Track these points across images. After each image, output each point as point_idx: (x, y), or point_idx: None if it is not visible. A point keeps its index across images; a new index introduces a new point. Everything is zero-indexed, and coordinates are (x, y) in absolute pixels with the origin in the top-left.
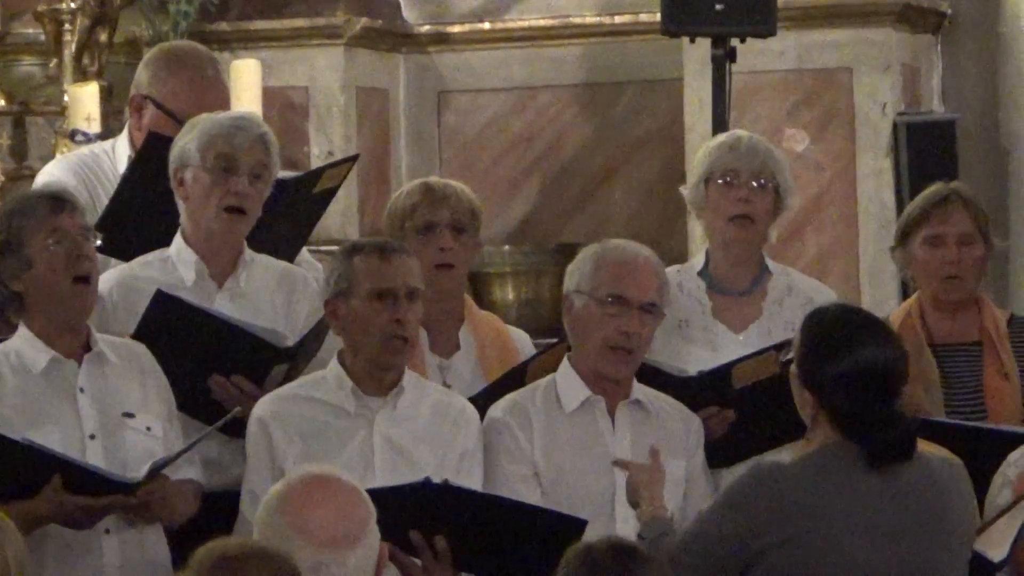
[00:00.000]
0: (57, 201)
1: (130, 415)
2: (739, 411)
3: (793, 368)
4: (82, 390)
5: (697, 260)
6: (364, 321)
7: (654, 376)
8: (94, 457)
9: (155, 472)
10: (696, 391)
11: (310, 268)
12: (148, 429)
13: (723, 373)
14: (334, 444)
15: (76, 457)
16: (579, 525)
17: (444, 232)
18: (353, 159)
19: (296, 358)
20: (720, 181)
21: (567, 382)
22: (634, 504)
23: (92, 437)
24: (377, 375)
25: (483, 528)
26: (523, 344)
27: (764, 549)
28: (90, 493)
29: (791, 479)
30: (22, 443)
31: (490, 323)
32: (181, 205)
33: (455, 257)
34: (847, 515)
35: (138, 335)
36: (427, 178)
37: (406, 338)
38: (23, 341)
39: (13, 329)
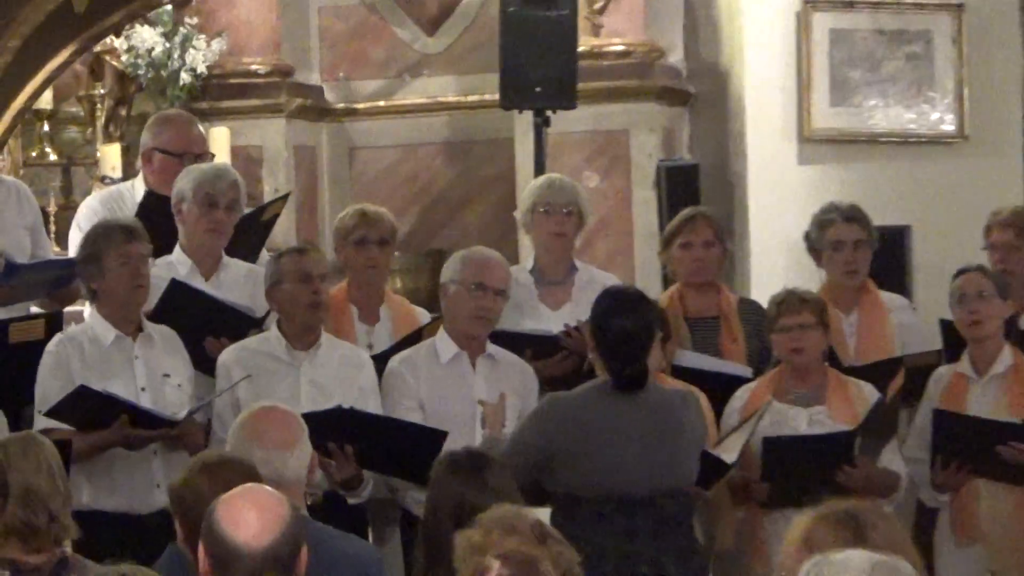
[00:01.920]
0: (129, 232)
1: (167, 376)
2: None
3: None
4: (137, 357)
5: (528, 262)
6: (293, 298)
7: (524, 341)
8: (145, 402)
9: (191, 415)
10: (559, 341)
11: None
12: (179, 385)
13: (580, 330)
14: (272, 383)
15: (136, 402)
16: (441, 435)
17: (373, 244)
18: (285, 196)
19: (263, 326)
20: (541, 210)
21: (443, 343)
22: (483, 425)
23: (143, 389)
24: (303, 334)
25: (377, 438)
26: (424, 317)
27: (555, 454)
28: (145, 427)
29: (572, 406)
30: (103, 393)
31: (402, 303)
32: (180, 227)
33: (379, 261)
34: (610, 429)
35: (157, 311)
36: (363, 205)
37: (320, 303)
38: (96, 322)
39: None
